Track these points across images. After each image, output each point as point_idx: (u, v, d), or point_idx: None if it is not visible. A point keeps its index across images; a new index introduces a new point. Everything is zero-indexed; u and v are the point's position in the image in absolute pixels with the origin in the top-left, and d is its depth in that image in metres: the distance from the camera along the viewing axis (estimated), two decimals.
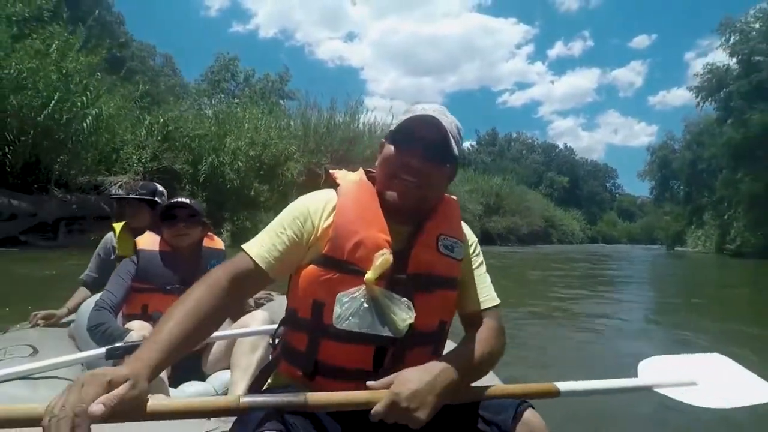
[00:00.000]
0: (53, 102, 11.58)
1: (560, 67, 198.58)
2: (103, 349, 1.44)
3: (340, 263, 0.88)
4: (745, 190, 23.98)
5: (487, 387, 0.89)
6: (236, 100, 25.11)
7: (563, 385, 0.92)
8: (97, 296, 1.85)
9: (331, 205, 0.94)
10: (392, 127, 0.97)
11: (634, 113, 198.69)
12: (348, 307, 0.86)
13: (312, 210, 0.93)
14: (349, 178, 1.01)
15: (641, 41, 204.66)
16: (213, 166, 16.87)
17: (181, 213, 1.85)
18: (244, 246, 0.93)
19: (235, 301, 0.88)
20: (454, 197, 1.06)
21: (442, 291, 0.94)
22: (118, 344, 1.44)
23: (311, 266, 0.90)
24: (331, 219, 0.92)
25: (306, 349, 0.91)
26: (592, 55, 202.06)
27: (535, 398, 0.90)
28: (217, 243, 2.01)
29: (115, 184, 15.26)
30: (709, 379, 1.03)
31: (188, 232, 1.86)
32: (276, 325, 1.07)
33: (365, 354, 0.89)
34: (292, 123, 21.86)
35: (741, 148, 23.36)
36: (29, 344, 1.67)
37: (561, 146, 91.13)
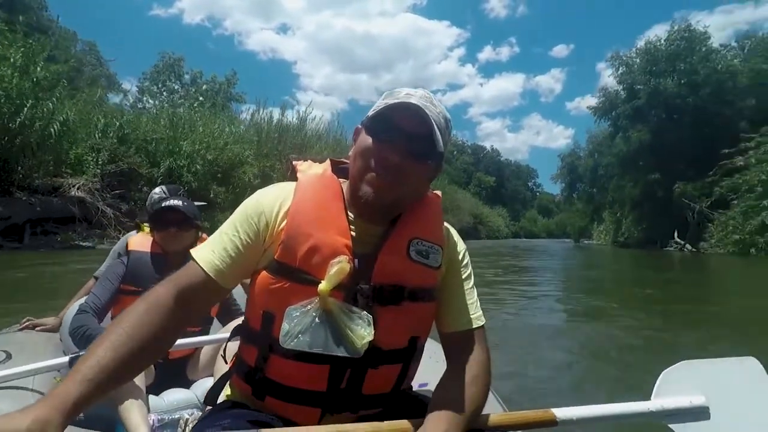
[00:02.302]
0: (26, 109, 12.21)
1: (489, 70, 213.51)
2: (66, 358, 1.38)
3: (292, 271, 0.79)
4: (628, 194, 29.43)
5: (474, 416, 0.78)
6: (181, 100, 25.38)
7: (561, 412, 0.83)
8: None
9: (288, 203, 0.83)
10: (370, 113, 0.83)
11: (554, 117, 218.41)
12: (298, 323, 0.76)
13: (266, 207, 0.83)
14: (312, 171, 0.90)
15: (560, 50, 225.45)
16: (170, 168, 17.76)
17: (172, 217, 1.79)
18: (192, 252, 0.84)
19: (183, 319, 0.79)
20: (437, 193, 0.95)
21: (414, 304, 0.83)
22: (82, 353, 1.31)
23: (263, 272, 0.81)
24: (286, 219, 0.82)
25: (255, 364, 0.84)
26: (518, 61, 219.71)
27: (526, 428, 0.82)
28: None
29: (74, 186, 15.78)
30: (726, 402, 0.91)
31: (180, 236, 1.79)
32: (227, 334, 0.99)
33: (319, 374, 0.81)
34: (243, 128, 22.97)
35: (626, 159, 28.55)
36: (4, 349, 1.57)
37: (488, 148, 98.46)
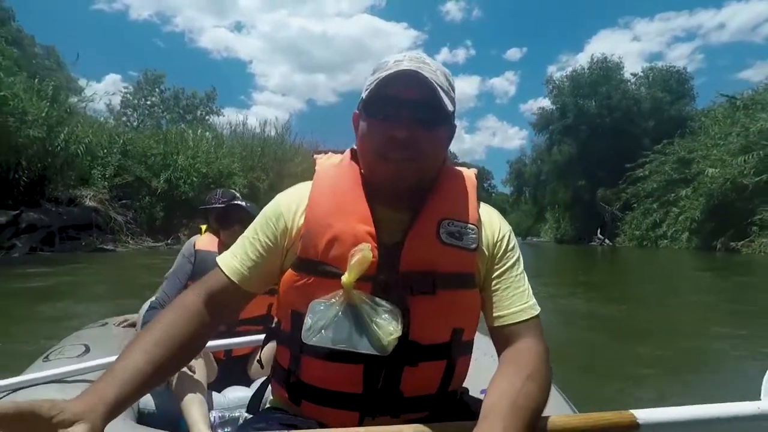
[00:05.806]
0: (63, 134, 14.79)
1: None
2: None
3: (315, 265, 0.77)
4: (562, 197, 34.65)
5: (541, 418, 0.69)
6: (162, 113, 27.35)
7: (643, 414, 0.71)
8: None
9: (306, 200, 0.81)
10: (363, 94, 0.78)
11: (509, 119, 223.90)
12: (321, 317, 0.72)
13: (285, 207, 0.82)
14: (329, 162, 0.87)
15: (514, 53, 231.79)
16: (168, 180, 20.30)
17: (236, 215, 1.88)
18: (217, 258, 0.84)
19: (212, 323, 0.79)
20: (472, 170, 0.88)
21: (451, 292, 0.77)
22: None
23: (289, 271, 0.80)
24: (305, 215, 0.80)
25: (288, 367, 0.82)
26: (474, 64, 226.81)
27: None
28: None
29: (86, 196, 18.08)
30: None
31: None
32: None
33: (353, 374, 0.76)
34: (226, 141, 25.62)
35: (560, 168, 33.57)
36: (84, 343, 1.65)
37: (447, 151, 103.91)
